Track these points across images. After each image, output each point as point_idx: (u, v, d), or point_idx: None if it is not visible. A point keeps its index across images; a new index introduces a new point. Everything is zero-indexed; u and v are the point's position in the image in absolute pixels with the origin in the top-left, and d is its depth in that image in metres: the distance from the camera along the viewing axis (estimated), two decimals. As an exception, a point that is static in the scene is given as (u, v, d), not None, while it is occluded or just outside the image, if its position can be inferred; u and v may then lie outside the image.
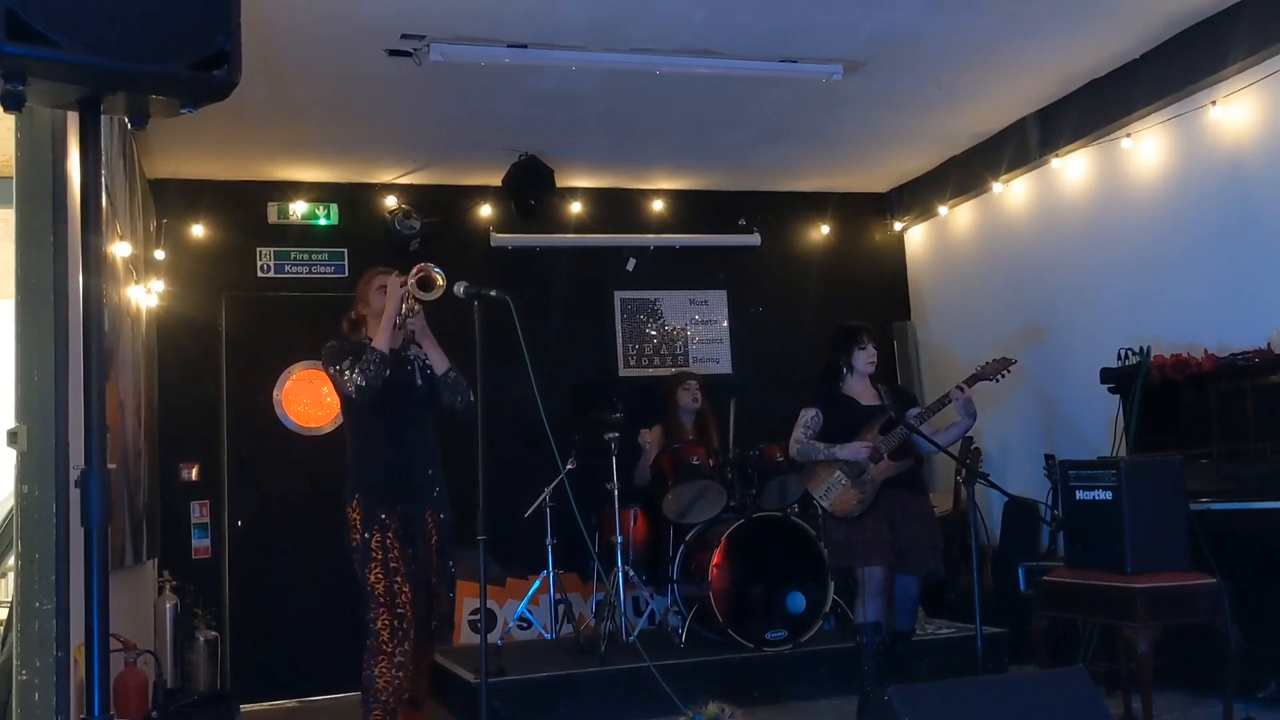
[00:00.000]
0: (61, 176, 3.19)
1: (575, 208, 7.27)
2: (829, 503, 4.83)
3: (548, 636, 6.26)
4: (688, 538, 6.03)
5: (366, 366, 3.91)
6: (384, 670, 3.76)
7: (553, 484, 5.98)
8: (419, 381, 4.28)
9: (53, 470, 3.03)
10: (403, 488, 4.06)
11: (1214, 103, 5.28)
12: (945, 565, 4.97)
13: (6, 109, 1.98)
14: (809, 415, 4.96)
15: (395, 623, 3.79)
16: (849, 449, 4.77)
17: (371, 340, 4.08)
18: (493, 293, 3.75)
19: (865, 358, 4.97)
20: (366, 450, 4.12)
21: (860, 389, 4.98)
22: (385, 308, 4.03)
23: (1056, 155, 6.28)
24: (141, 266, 5.55)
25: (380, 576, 3.84)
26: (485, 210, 7.12)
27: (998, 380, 4.91)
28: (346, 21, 4.73)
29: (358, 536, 3.93)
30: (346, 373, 3.95)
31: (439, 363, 4.25)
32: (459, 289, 3.85)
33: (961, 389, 4.76)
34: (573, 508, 3.94)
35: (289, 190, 6.84)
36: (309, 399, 6.70)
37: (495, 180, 6.78)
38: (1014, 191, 6.84)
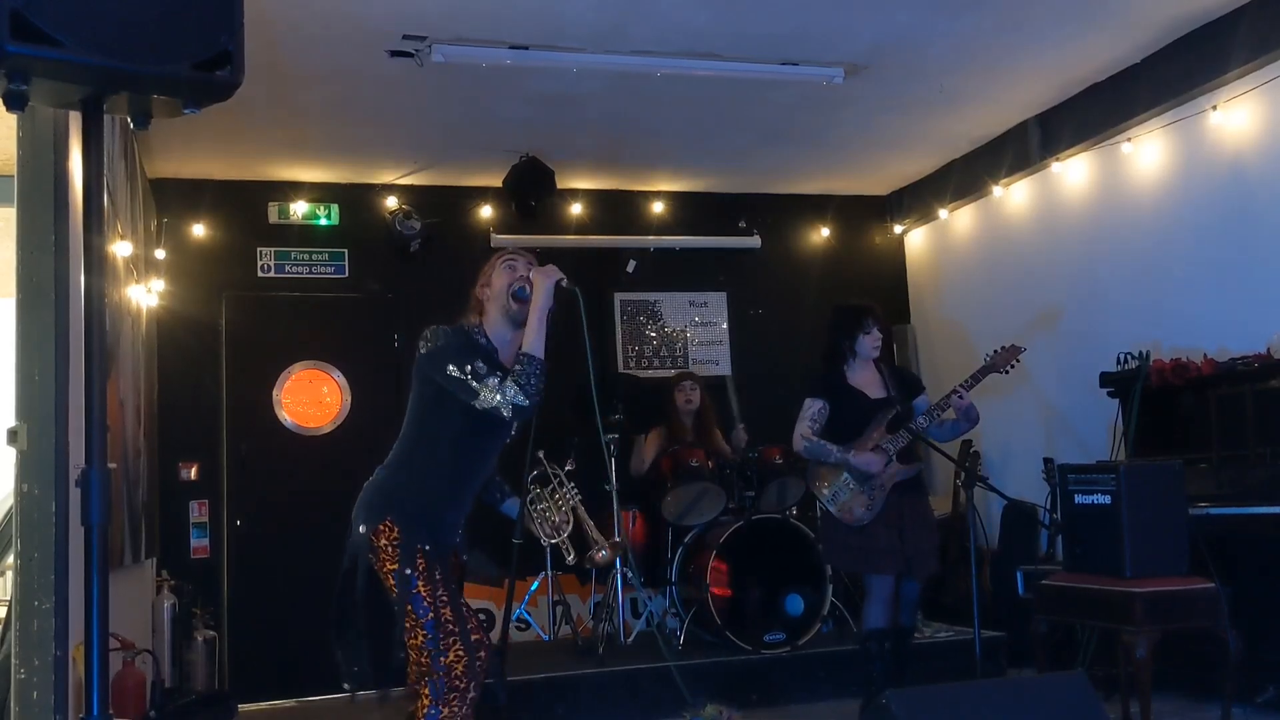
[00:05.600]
0: (63, 176, 3.18)
1: (576, 209, 7.27)
2: (835, 507, 4.63)
3: (545, 638, 6.27)
4: (686, 540, 6.03)
5: (527, 380, 3.07)
6: (456, 710, 3.06)
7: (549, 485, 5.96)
8: None
9: (52, 469, 3.02)
10: (451, 525, 3.29)
11: (1214, 107, 5.29)
12: (942, 564, 4.92)
13: (9, 108, 1.97)
14: (815, 408, 4.68)
15: (470, 654, 3.08)
16: (863, 459, 4.52)
17: (483, 325, 3.30)
18: (563, 282, 3.22)
19: (870, 342, 4.70)
20: (431, 473, 3.22)
21: (866, 377, 4.75)
22: (534, 301, 3.19)
23: (1057, 159, 6.28)
24: (142, 266, 5.55)
25: (446, 601, 3.11)
26: (486, 211, 7.12)
27: (1007, 371, 4.76)
28: (348, 22, 4.73)
29: (399, 565, 3.11)
30: (489, 381, 3.08)
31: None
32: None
33: (960, 395, 4.56)
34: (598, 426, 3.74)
35: (290, 190, 6.85)
36: (309, 399, 6.71)
37: (496, 181, 6.78)
38: (1014, 195, 6.84)
